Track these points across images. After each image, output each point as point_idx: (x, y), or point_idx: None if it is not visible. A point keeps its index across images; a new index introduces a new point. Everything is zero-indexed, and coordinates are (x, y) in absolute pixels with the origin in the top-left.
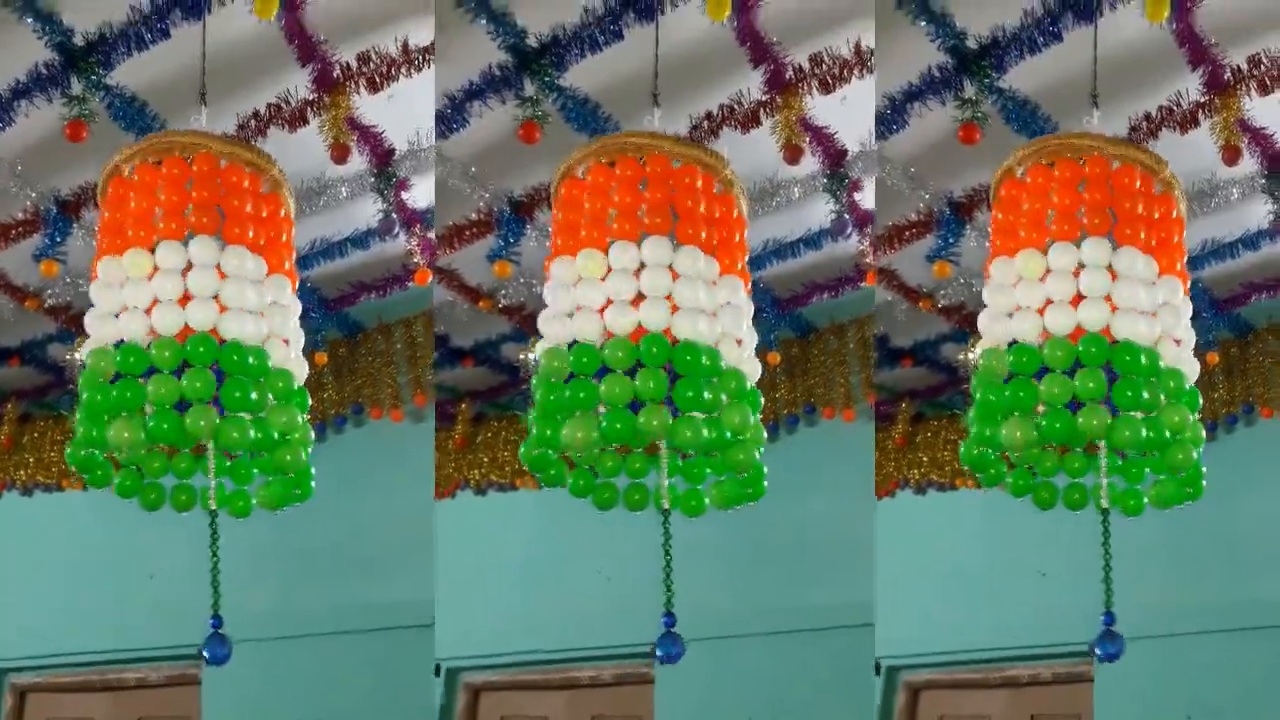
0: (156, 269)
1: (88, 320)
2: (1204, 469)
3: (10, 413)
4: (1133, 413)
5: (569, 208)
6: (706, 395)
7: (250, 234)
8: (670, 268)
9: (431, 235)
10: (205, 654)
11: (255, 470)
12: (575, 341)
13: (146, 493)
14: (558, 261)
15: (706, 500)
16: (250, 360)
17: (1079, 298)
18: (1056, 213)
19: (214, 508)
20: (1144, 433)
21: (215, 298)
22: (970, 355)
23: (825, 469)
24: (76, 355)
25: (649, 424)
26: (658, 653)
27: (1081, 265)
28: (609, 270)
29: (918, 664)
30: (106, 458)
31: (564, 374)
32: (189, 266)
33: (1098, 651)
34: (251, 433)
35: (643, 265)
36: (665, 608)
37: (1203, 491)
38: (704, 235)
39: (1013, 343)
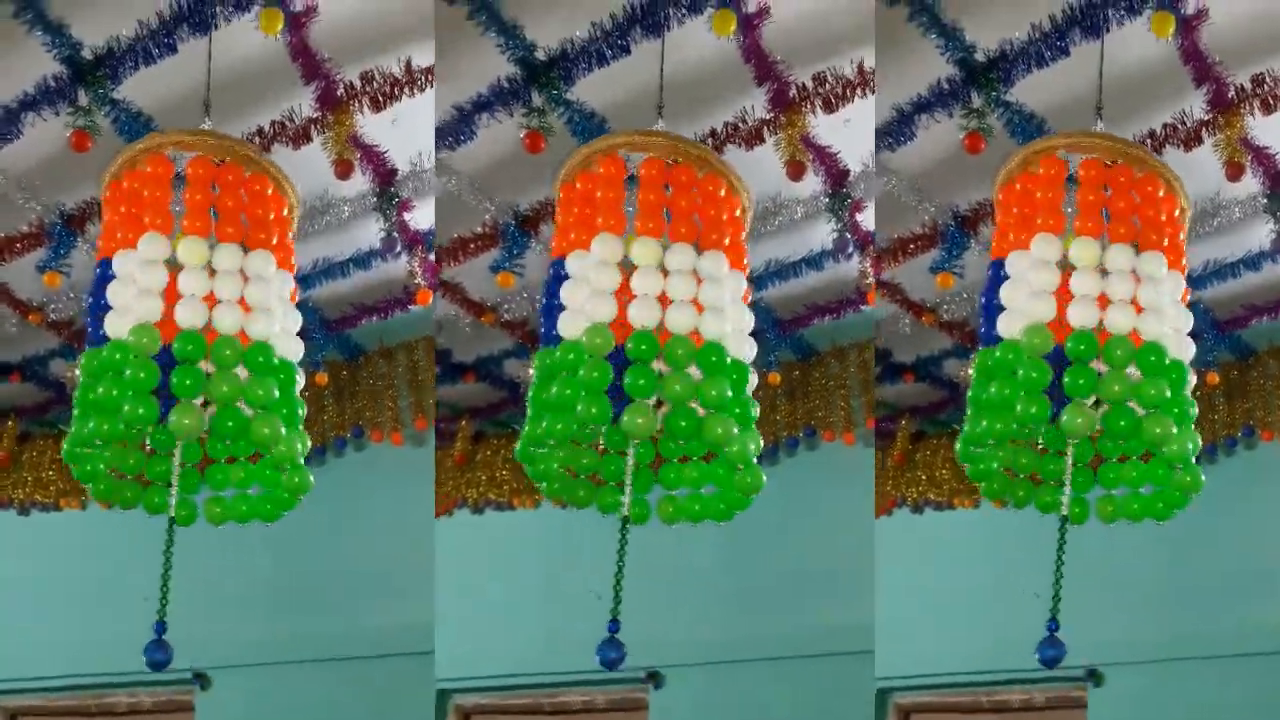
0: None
1: (122, 291)
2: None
3: (9, 430)
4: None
5: (610, 186)
6: (754, 413)
7: (293, 260)
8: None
9: (433, 256)
10: (144, 656)
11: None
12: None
13: (120, 489)
14: (602, 238)
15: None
16: (297, 378)
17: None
18: (1113, 214)
19: (172, 514)
20: (1190, 447)
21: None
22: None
23: (825, 492)
24: (75, 371)
25: (713, 430)
26: (596, 656)
27: (1136, 274)
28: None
29: (909, 686)
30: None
31: (607, 351)
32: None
33: (1038, 655)
34: (298, 447)
35: (697, 274)
36: (612, 614)
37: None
38: (745, 263)
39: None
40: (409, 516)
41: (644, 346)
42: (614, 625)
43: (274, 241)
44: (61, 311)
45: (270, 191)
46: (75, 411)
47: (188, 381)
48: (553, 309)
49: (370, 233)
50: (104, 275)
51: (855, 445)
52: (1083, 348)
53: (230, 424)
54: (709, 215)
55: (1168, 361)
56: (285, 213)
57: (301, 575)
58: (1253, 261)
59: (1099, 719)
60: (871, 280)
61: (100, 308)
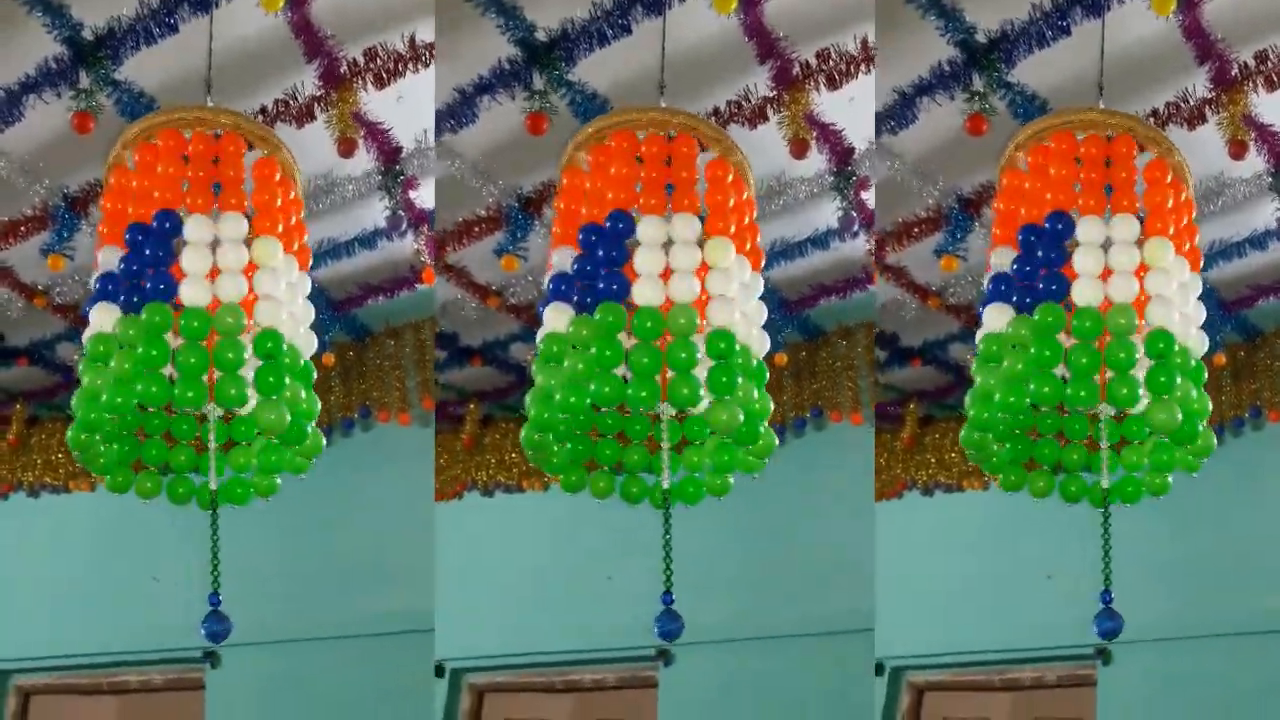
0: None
1: (199, 259)
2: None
3: (18, 414)
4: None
5: (685, 165)
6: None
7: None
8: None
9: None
10: (203, 629)
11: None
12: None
13: (143, 480)
14: (685, 219)
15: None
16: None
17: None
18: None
19: (214, 487)
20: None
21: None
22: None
23: (832, 473)
24: (75, 358)
25: (767, 439)
26: (655, 627)
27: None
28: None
29: (922, 665)
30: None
31: (692, 332)
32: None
33: (1095, 628)
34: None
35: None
36: (665, 586)
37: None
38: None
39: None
40: (417, 496)
41: (723, 345)
42: (668, 597)
43: (309, 265)
44: (66, 295)
45: (303, 214)
46: (113, 365)
47: (270, 379)
48: (612, 262)
49: (375, 211)
50: (163, 229)
51: (863, 425)
52: (1161, 346)
53: (296, 429)
54: (744, 227)
55: (1205, 378)
56: (301, 213)
57: (310, 555)
58: (1258, 241)
59: (1108, 697)
60: (874, 257)
61: (156, 259)
